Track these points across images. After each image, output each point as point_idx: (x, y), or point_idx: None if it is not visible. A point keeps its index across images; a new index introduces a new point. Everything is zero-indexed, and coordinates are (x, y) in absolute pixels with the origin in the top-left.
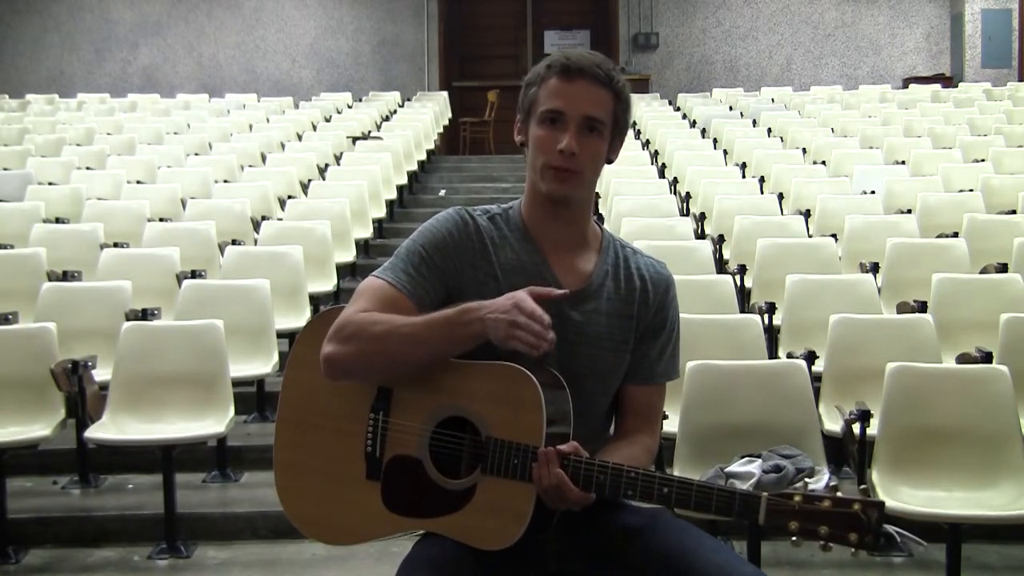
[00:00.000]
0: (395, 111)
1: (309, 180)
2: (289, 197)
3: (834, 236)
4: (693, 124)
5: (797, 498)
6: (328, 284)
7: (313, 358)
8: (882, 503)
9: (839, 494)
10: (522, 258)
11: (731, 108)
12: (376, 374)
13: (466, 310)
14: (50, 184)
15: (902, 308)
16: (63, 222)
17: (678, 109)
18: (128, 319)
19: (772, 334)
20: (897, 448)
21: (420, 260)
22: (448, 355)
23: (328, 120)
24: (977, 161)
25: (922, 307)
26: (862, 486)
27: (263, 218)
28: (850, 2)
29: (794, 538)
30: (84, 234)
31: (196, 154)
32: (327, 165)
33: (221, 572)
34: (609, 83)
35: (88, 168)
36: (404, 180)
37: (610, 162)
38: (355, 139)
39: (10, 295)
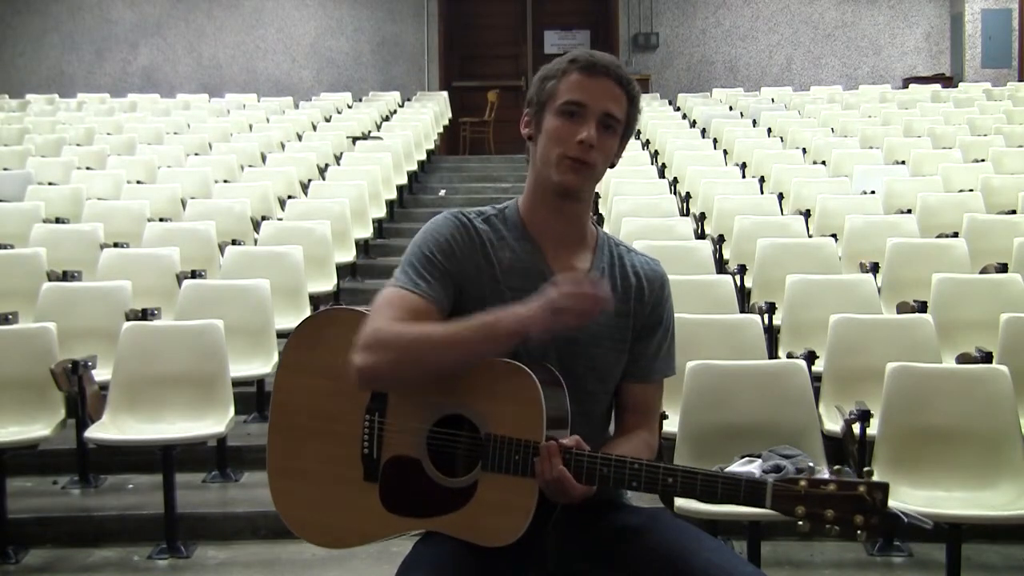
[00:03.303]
0: (395, 111)
1: (309, 180)
2: (289, 197)
3: (834, 236)
4: (693, 124)
5: (802, 483)
6: (328, 284)
7: (305, 361)
8: (886, 484)
9: (843, 478)
10: (521, 256)
11: (731, 108)
12: (409, 382)
13: (500, 311)
14: (50, 184)
15: (902, 308)
16: (63, 222)
17: (678, 109)
18: (128, 319)
19: (772, 334)
20: (897, 448)
21: (432, 265)
22: (485, 357)
23: (328, 120)
24: (977, 161)
25: (922, 307)
26: (865, 468)
27: (263, 218)
28: (850, 2)
29: (800, 523)
30: (84, 234)
31: (196, 154)
32: (327, 165)
33: (221, 572)
34: (627, 85)
35: (88, 168)
36: (404, 180)
37: (612, 165)
38: (355, 139)
39: (10, 295)
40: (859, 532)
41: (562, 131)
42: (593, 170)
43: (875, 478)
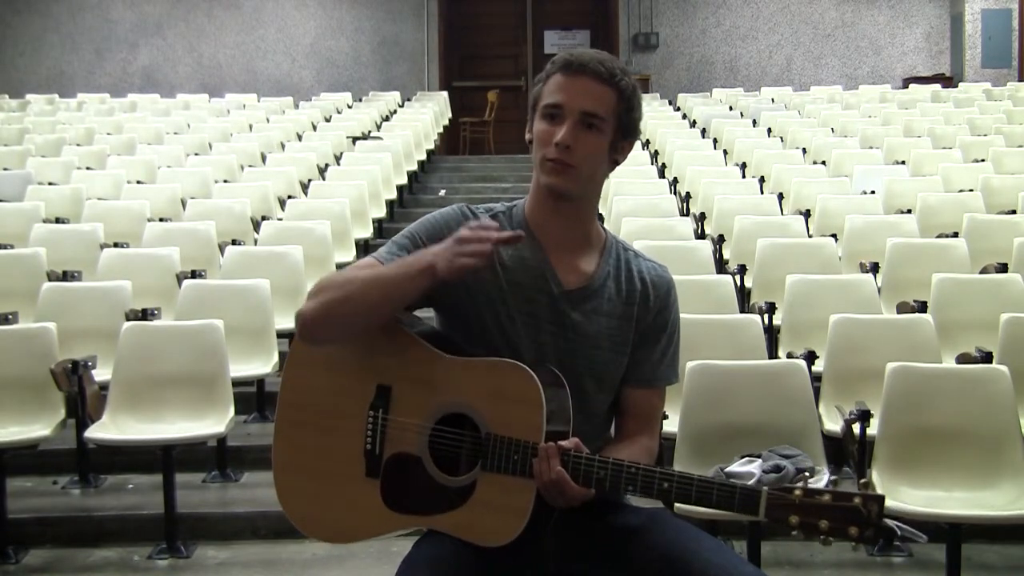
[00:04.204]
0: (395, 111)
1: (309, 180)
2: (289, 197)
3: (834, 236)
4: (693, 124)
5: (797, 492)
6: None
7: (311, 358)
8: (882, 497)
9: (839, 488)
10: (524, 255)
11: (731, 108)
12: (341, 324)
13: (418, 252)
14: (50, 184)
15: (902, 308)
16: (63, 222)
17: (678, 109)
18: (128, 319)
19: (772, 334)
20: (897, 448)
21: (416, 247)
22: (403, 294)
23: (328, 120)
24: (977, 161)
25: (922, 307)
26: (862, 480)
27: (263, 218)
28: (850, 2)
29: (794, 532)
30: (84, 234)
31: (196, 154)
32: (327, 165)
33: (221, 572)
34: (611, 80)
35: (88, 168)
36: (404, 180)
37: (617, 163)
38: (355, 139)
39: (10, 295)
40: (854, 543)
41: (544, 134)
42: (576, 171)
43: (872, 490)
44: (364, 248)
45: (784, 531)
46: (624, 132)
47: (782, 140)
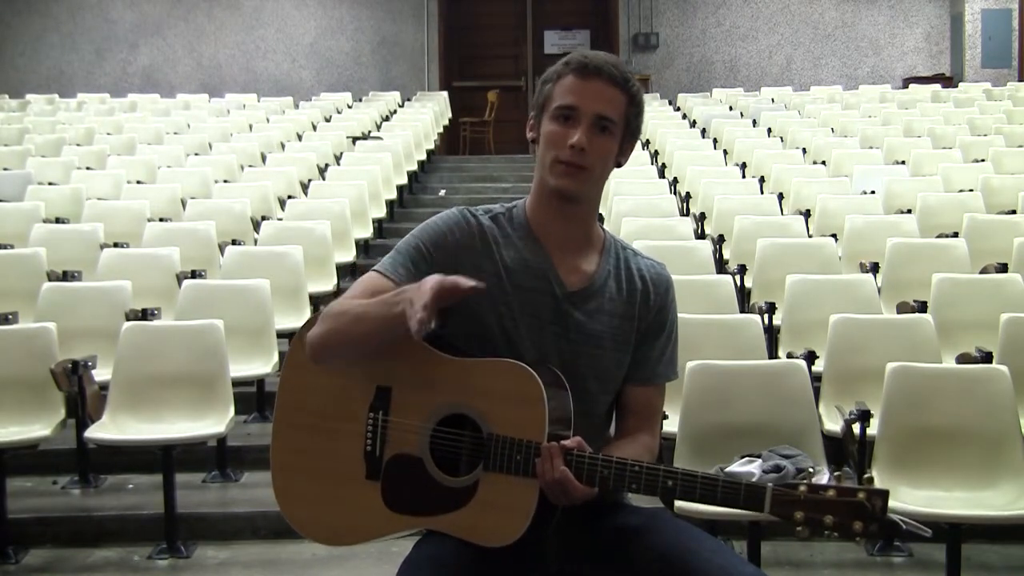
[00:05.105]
0: (395, 111)
1: (309, 180)
2: (289, 197)
3: (834, 236)
4: (693, 124)
5: (802, 488)
6: (328, 284)
7: (308, 360)
8: (886, 491)
9: (844, 483)
10: (526, 256)
11: (731, 108)
12: (341, 352)
13: (399, 291)
14: (50, 184)
15: (902, 308)
16: (63, 222)
17: (678, 109)
18: (128, 319)
19: (772, 334)
20: (897, 448)
21: (418, 255)
22: (387, 333)
23: (328, 120)
24: (977, 161)
25: (922, 307)
26: (866, 475)
27: (263, 218)
28: (850, 2)
29: (799, 528)
30: (84, 234)
31: (196, 154)
32: (327, 165)
33: (221, 572)
34: (624, 84)
35: (88, 168)
36: (404, 180)
37: (619, 165)
38: (355, 139)
39: (10, 295)
40: (858, 538)
41: (556, 136)
42: (589, 173)
43: (875, 485)
44: (364, 248)
45: (789, 527)
46: (631, 135)
47: (782, 140)
